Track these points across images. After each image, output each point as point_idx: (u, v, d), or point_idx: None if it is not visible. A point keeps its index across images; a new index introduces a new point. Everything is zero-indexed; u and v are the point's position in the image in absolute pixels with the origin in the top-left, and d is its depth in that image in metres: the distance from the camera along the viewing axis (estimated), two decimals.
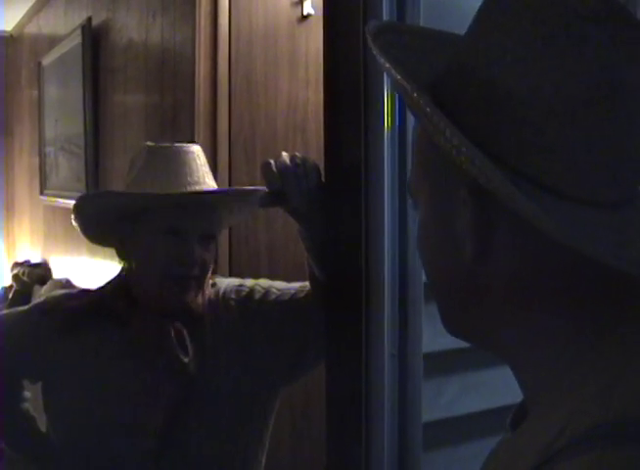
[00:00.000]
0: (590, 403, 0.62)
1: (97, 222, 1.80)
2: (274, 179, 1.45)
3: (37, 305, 1.89)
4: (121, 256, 1.83)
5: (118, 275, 1.85)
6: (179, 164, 1.74)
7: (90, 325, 1.77)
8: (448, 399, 1.44)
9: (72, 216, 1.81)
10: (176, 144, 1.81)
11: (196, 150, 1.80)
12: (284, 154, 1.48)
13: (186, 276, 1.70)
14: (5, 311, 2.22)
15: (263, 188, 1.66)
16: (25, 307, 1.93)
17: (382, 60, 0.72)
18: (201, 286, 1.74)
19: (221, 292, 1.81)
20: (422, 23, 1.37)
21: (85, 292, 1.88)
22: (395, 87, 0.73)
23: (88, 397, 1.74)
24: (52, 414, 1.83)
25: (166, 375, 1.71)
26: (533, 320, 0.69)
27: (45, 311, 1.80)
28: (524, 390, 0.74)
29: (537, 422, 0.68)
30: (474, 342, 0.80)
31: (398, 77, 0.69)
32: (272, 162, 1.46)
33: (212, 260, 1.77)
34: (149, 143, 1.85)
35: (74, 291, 1.92)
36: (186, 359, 1.70)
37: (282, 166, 1.45)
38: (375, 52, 0.74)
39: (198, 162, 1.77)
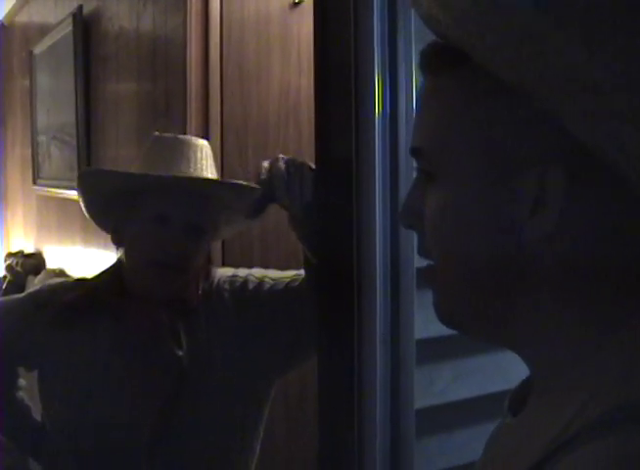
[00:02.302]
0: (611, 386, 0.61)
1: (93, 202, 1.81)
2: (265, 183, 1.43)
3: (33, 296, 1.88)
4: (115, 242, 1.83)
5: (114, 265, 1.85)
6: (180, 154, 1.75)
7: (84, 318, 1.76)
8: (441, 385, 1.43)
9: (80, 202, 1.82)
10: (182, 135, 1.82)
11: (201, 143, 1.81)
12: (280, 159, 1.45)
13: (168, 265, 1.69)
14: (5, 298, 2.22)
15: (256, 186, 1.65)
16: (22, 295, 1.94)
17: None
18: (188, 276, 1.73)
19: (215, 283, 1.81)
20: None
21: (80, 283, 1.87)
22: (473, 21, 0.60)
23: (81, 389, 1.73)
24: (47, 404, 1.83)
25: (160, 368, 1.70)
26: (566, 310, 0.66)
27: (40, 305, 1.80)
28: (536, 376, 0.71)
29: (548, 409, 0.67)
30: (474, 334, 0.76)
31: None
32: (265, 166, 1.44)
33: (200, 254, 1.75)
34: (156, 132, 1.86)
35: (70, 281, 1.93)
36: (180, 353, 1.70)
37: (275, 172, 1.42)
38: None
39: (200, 154, 1.77)
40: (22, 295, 1.95)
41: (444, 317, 0.74)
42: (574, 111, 0.58)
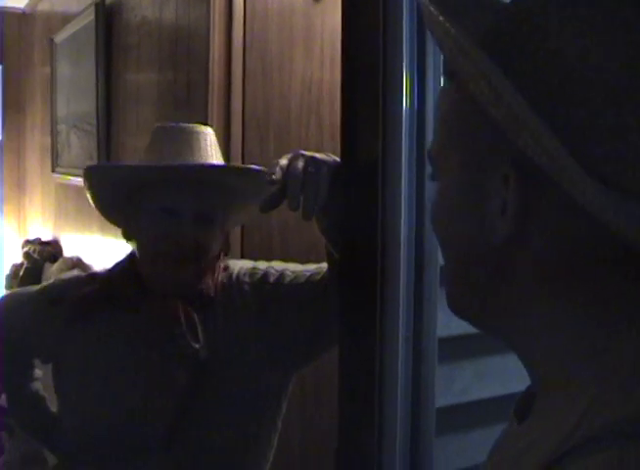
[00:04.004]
0: (611, 395, 0.60)
1: (103, 198, 1.80)
2: (277, 183, 1.35)
3: (46, 291, 1.88)
4: (126, 236, 1.83)
5: (127, 257, 1.84)
6: (184, 143, 1.73)
7: (100, 312, 1.75)
8: (462, 384, 1.43)
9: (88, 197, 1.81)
10: (184, 124, 1.79)
11: (204, 130, 1.78)
12: (300, 157, 1.37)
13: (178, 256, 1.68)
14: (17, 290, 2.23)
15: (260, 168, 1.64)
16: (35, 289, 1.93)
17: (435, 12, 0.67)
18: (200, 267, 1.72)
19: (234, 275, 1.79)
20: None
21: (94, 277, 1.86)
22: (446, 44, 0.66)
23: (98, 383, 1.73)
24: (62, 397, 1.83)
25: (177, 361, 1.69)
26: (554, 307, 0.67)
27: (54, 300, 1.80)
28: (534, 379, 0.72)
29: (550, 414, 0.66)
30: (480, 326, 0.78)
31: (453, 31, 0.65)
32: (282, 163, 1.36)
33: (212, 243, 1.73)
34: (158, 124, 1.84)
35: (83, 276, 1.91)
36: (197, 345, 1.68)
37: (291, 173, 1.35)
38: (428, 4, 0.69)
39: (204, 142, 1.75)
40: (36, 289, 1.94)
41: (451, 307, 0.77)
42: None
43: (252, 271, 1.80)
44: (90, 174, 1.80)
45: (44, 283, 2.00)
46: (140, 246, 1.76)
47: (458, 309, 0.77)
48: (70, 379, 1.78)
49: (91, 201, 1.82)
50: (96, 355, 1.75)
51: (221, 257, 1.80)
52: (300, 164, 1.36)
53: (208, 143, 1.76)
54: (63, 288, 1.84)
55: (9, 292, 2.15)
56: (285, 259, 1.90)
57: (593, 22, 0.62)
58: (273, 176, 1.35)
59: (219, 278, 1.77)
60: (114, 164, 1.96)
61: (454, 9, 0.71)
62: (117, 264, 1.85)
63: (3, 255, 6.21)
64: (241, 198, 1.76)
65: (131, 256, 1.82)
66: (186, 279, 1.71)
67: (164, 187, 1.69)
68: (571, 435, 0.60)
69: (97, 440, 1.72)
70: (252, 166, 1.72)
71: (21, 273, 5.68)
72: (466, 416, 1.46)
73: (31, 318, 1.84)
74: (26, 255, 5.74)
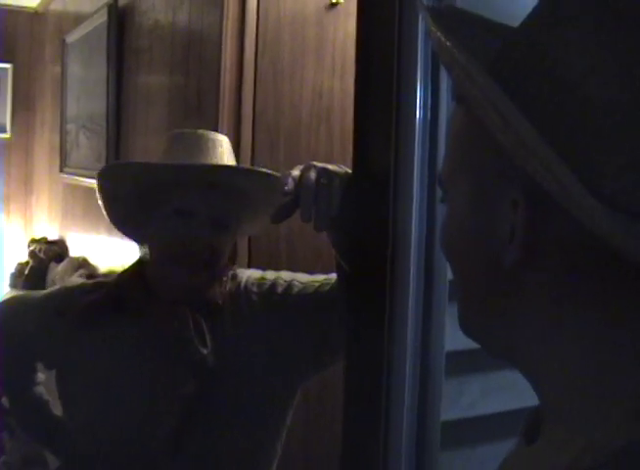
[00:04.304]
0: (623, 417, 0.60)
1: (117, 201, 1.78)
2: (290, 194, 1.34)
3: (51, 299, 1.85)
4: (138, 240, 1.82)
5: (135, 263, 1.83)
6: (200, 149, 1.72)
7: (107, 319, 1.74)
8: (469, 398, 1.42)
9: (98, 200, 1.80)
10: (200, 130, 1.79)
11: (219, 137, 1.78)
12: (312, 168, 1.36)
13: (193, 260, 1.67)
14: (20, 294, 2.21)
15: (276, 173, 1.63)
16: (40, 296, 1.91)
17: (443, 38, 0.67)
18: (213, 273, 1.71)
19: (242, 284, 1.78)
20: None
21: (100, 284, 1.85)
22: (454, 70, 0.67)
23: (105, 390, 1.72)
24: (67, 402, 1.82)
25: (184, 367, 1.69)
26: (564, 328, 0.66)
27: (59, 310, 1.78)
28: (543, 399, 0.71)
29: (559, 436, 0.65)
30: (488, 347, 0.77)
31: (460, 57, 0.65)
32: (294, 174, 1.36)
33: (225, 249, 1.73)
34: (175, 130, 1.84)
35: (89, 283, 1.89)
36: (205, 351, 1.68)
37: (304, 184, 1.34)
38: (435, 30, 0.69)
39: (220, 149, 1.74)
40: (40, 295, 1.92)
41: (461, 327, 0.77)
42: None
43: (261, 281, 1.79)
44: (103, 175, 1.77)
45: (49, 290, 1.96)
46: (153, 249, 1.75)
47: (468, 330, 0.77)
48: (76, 385, 1.76)
49: (102, 204, 1.80)
50: (102, 362, 1.73)
51: (229, 265, 1.79)
52: (313, 175, 1.35)
53: (225, 150, 1.76)
54: (68, 297, 1.82)
55: (11, 295, 2.11)
56: (291, 268, 1.89)
57: (600, 46, 0.61)
58: (286, 187, 1.34)
59: (227, 286, 1.76)
60: (129, 162, 1.95)
61: (461, 34, 0.71)
62: (125, 271, 1.84)
63: (3, 252, 6.20)
64: (253, 205, 1.76)
65: (139, 262, 1.81)
66: (198, 284, 1.70)
67: (180, 189, 1.68)
68: (581, 458, 0.59)
69: (103, 445, 1.72)
70: (267, 170, 1.72)
71: (26, 272, 5.70)
72: (472, 431, 1.45)
73: (35, 326, 1.83)
74: (32, 253, 5.75)
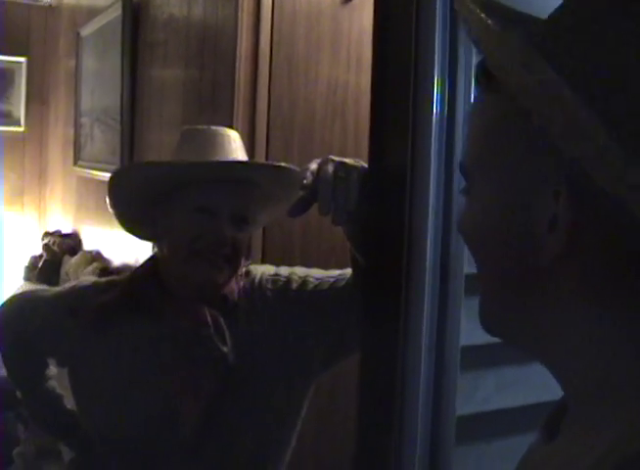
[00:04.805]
0: None
1: (130, 203, 1.77)
2: (308, 187, 1.34)
3: (63, 299, 1.84)
4: (153, 239, 1.81)
5: (148, 261, 1.82)
6: (213, 145, 1.72)
7: (122, 318, 1.73)
8: (484, 393, 1.42)
9: (108, 201, 1.78)
10: (212, 127, 1.79)
11: (231, 133, 1.78)
12: (329, 161, 1.36)
13: (215, 256, 1.66)
14: (30, 291, 2.19)
15: (296, 168, 1.63)
16: (52, 295, 1.89)
17: (492, 23, 0.66)
18: (234, 268, 1.70)
19: (256, 281, 1.78)
20: None
21: (113, 283, 1.83)
22: (502, 58, 0.64)
23: (121, 390, 1.71)
24: (81, 400, 1.81)
25: (205, 365, 1.68)
26: (596, 323, 0.65)
27: (72, 310, 1.76)
28: (568, 394, 0.70)
29: (584, 432, 0.65)
30: (514, 341, 0.76)
31: (515, 43, 0.62)
32: (312, 168, 1.36)
33: (244, 243, 1.73)
34: (186, 126, 1.84)
35: (102, 282, 1.87)
36: (225, 349, 1.68)
37: (322, 178, 1.34)
38: (478, 12, 0.67)
39: (233, 145, 1.74)
40: (51, 294, 1.89)
41: (483, 322, 0.76)
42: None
43: (275, 277, 1.78)
44: (119, 177, 1.76)
45: (60, 289, 1.94)
46: (169, 247, 1.72)
47: (492, 327, 0.75)
48: (90, 384, 1.76)
49: (111, 204, 1.78)
50: (118, 362, 1.72)
51: (243, 261, 1.79)
52: (331, 168, 1.35)
53: (238, 145, 1.76)
54: (81, 297, 1.80)
55: (21, 292, 2.09)
56: (305, 263, 1.89)
57: None
58: (305, 181, 1.34)
59: (242, 283, 1.76)
60: (150, 162, 1.93)
61: (505, 17, 0.69)
62: (138, 269, 1.83)
63: (3, 244, 6.21)
64: (269, 198, 1.76)
65: (152, 260, 1.80)
66: (220, 280, 1.69)
67: (198, 186, 1.68)
68: (607, 456, 0.58)
69: (119, 444, 1.71)
70: (284, 164, 1.72)
71: (39, 265, 5.71)
72: (487, 426, 1.45)
73: (46, 324, 1.82)
74: (46, 247, 5.77)
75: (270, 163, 1.72)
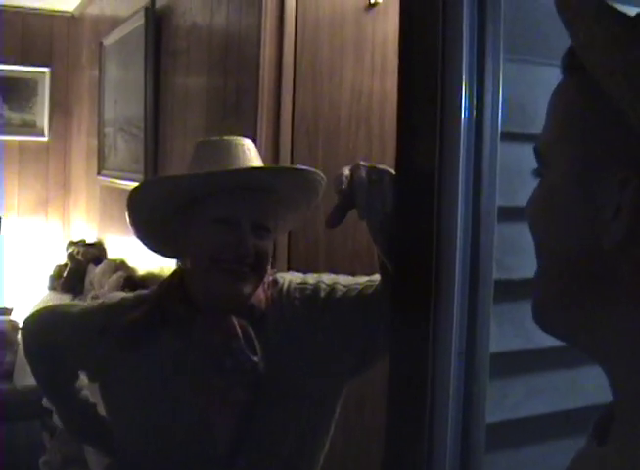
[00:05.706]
0: None
1: (149, 220, 1.76)
2: (346, 193, 1.35)
3: (90, 317, 1.82)
4: (175, 253, 1.81)
5: (173, 276, 1.80)
6: (228, 155, 1.71)
7: (152, 334, 1.72)
8: (514, 400, 1.41)
9: (128, 220, 1.78)
10: (225, 137, 1.78)
11: (245, 142, 1.77)
12: (361, 166, 1.38)
13: (240, 263, 1.65)
14: (59, 305, 2.17)
15: (313, 170, 1.63)
16: (78, 313, 1.86)
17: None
18: (259, 277, 1.69)
19: (284, 290, 1.76)
20: (503, 12, 1.33)
21: (140, 299, 1.81)
22: (595, 39, 0.65)
23: (154, 405, 1.71)
24: (112, 414, 1.81)
25: (237, 376, 1.67)
26: None
27: (101, 330, 1.76)
28: (618, 397, 0.69)
29: (631, 441, 0.63)
30: (567, 338, 0.75)
31: (610, 22, 0.63)
32: (346, 174, 1.37)
33: (269, 251, 1.71)
34: (200, 139, 1.84)
35: (129, 297, 1.85)
36: (256, 359, 1.66)
37: (357, 182, 1.35)
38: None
39: (248, 153, 1.73)
40: (78, 312, 1.86)
41: (537, 317, 0.75)
42: None
43: (302, 286, 1.76)
44: (137, 195, 1.75)
45: (87, 306, 1.91)
46: (194, 260, 1.71)
47: (547, 323, 0.75)
48: (122, 400, 1.75)
49: (132, 223, 1.78)
50: (149, 377, 1.71)
51: (269, 269, 1.77)
52: (364, 173, 1.36)
53: (253, 153, 1.75)
54: (109, 314, 1.79)
55: (47, 306, 2.08)
56: (330, 269, 1.88)
57: None
58: (342, 186, 1.35)
59: (270, 292, 1.75)
60: (166, 176, 1.92)
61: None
62: (164, 283, 1.81)
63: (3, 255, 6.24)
64: (290, 204, 1.76)
65: (178, 273, 1.79)
66: (246, 291, 1.67)
67: (217, 197, 1.67)
68: None
69: (156, 457, 1.71)
70: (299, 166, 1.71)
71: (64, 274, 5.74)
72: (517, 433, 1.44)
73: (74, 343, 1.82)
74: (70, 256, 5.80)
75: (287, 166, 1.71)
